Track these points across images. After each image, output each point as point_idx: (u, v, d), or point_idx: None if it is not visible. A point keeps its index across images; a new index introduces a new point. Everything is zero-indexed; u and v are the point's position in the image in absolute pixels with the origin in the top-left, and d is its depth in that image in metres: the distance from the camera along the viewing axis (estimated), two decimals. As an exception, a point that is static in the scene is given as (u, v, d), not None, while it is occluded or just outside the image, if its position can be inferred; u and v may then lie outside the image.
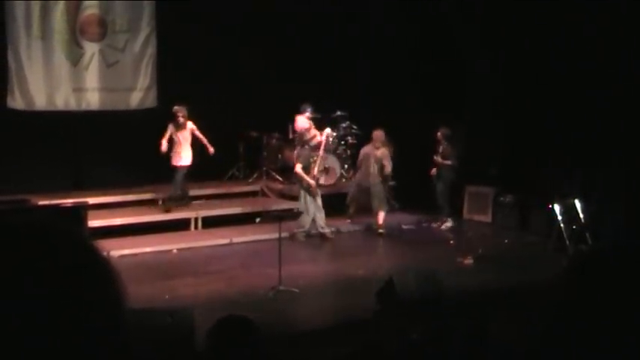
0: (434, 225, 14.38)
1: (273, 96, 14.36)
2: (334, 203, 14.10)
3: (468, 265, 11.65)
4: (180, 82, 14.01)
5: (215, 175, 14.85)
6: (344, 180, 15.13)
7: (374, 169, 13.74)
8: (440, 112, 14.27)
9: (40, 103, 14.08)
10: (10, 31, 13.74)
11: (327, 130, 14.47)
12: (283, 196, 14.81)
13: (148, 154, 13.23)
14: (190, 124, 13.35)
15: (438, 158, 14.14)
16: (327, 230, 13.33)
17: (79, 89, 14.36)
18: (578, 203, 12.38)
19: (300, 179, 13.20)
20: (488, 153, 14.64)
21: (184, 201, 13.83)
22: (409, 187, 14.48)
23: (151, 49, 14.94)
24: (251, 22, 15.03)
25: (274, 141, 15.43)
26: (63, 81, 14.21)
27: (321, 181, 13.96)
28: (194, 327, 6.58)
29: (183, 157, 13.34)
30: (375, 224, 13.86)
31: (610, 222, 11.82)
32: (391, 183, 14.52)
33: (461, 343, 5.45)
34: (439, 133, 14.07)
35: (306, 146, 13.59)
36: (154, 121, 13.56)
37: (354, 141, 15.46)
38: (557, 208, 12.46)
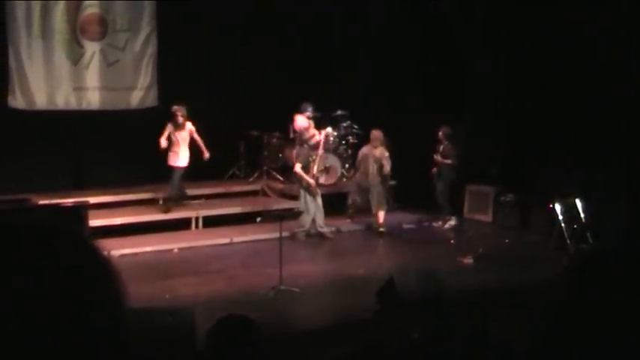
0: (435, 224, 14.37)
1: (273, 96, 14.35)
2: (335, 203, 14.11)
3: (467, 265, 11.65)
4: (180, 82, 14.00)
5: (215, 174, 14.84)
6: (345, 180, 15.13)
7: (373, 168, 13.74)
8: (440, 111, 14.27)
9: (41, 102, 14.08)
10: (11, 31, 13.74)
11: (328, 130, 14.48)
12: (284, 195, 14.81)
13: (149, 153, 13.22)
14: (189, 125, 13.29)
15: (438, 157, 14.15)
16: (326, 230, 13.33)
17: (79, 88, 14.36)
18: (579, 203, 12.39)
19: (300, 179, 13.20)
20: (489, 153, 14.64)
21: (182, 200, 13.83)
22: (410, 186, 14.49)
23: (152, 49, 14.93)
24: (252, 21, 15.02)
25: (275, 140, 15.42)
26: (63, 80, 14.21)
27: (321, 180, 13.96)
28: (195, 326, 6.58)
29: (181, 157, 13.28)
30: (375, 224, 13.87)
31: (610, 222, 11.82)
32: (391, 183, 14.52)
33: (461, 342, 5.45)
34: (440, 133, 14.08)
35: (305, 145, 13.59)
36: (155, 121, 13.54)
37: (355, 140, 15.45)
38: (558, 207, 12.46)
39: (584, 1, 12.98)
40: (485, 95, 14.83)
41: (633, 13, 12.48)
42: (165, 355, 6.15)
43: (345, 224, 14.18)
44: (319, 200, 13.27)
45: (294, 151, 13.85)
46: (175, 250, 12.50)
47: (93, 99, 14.51)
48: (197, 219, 13.68)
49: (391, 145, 13.79)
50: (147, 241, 12.59)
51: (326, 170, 14.38)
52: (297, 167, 13.18)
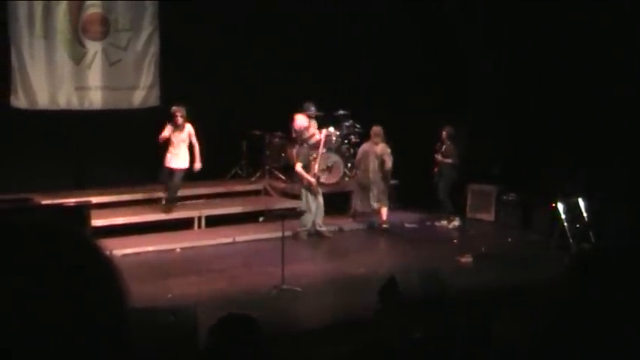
0: (437, 224, 14.33)
1: (276, 95, 14.35)
2: (337, 202, 14.11)
3: (466, 264, 11.64)
4: (183, 82, 13.99)
5: (218, 173, 14.83)
6: (347, 179, 15.13)
7: (374, 165, 13.74)
8: (443, 111, 14.27)
9: (43, 102, 14.08)
10: (13, 31, 13.74)
11: (330, 129, 14.47)
12: (286, 194, 14.80)
13: (151, 152, 13.21)
14: (189, 127, 13.18)
15: (439, 157, 14.15)
16: (324, 229, 13.33)
17: (81, 88, 14.35)
18: (581, 202, 12.39)
19: (301, 178, 13.21)
20: (491, 152, 14.64)
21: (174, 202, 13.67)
22: (412, 185, 14.47)
23: (154, 48, 14.92)
24: (254, 21, 15.02)
25: (277, 140, 15.41)
26: (66, 80, 14.20)
27: (323, 179, 13.96)
28: (197, 325, 6.58)
29: (181, 159, 13.20)
30: (377, 221, 13.86)
31: (612, 221, 11.81)
32: (392, 182, 14.48)
33: (463, 342, 5.45)
34: (444, 132, 14.07)
35: (305, 145, 13.60)
36: (157, 120, 13.51)
37: (357, 140, 15.45)
38: (560, 206, 12.46)
39: (586, 1, 12.98)
40: (487, 95, 14.82)
41: (635, 13, 12.47)
42: (168, 355, 6.15)
43: (347, 223, 14.18)
44: (320, 199, 13.27)
45: (294, 151, 13.85)
46: (177, 250, 12.50)
47: (95, 99, 14.51)
48: (199, 219, 13.67)
49: (392, 144, 13.79)
50: (149, 241, 12.59)
51: (328, 169, 14.38)
52: (298, 166, 13.18)
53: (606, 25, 12.52)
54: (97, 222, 11.96)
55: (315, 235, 13.29)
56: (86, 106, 14.41)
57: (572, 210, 12.42)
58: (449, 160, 14.07)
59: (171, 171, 13.24)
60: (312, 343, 7.97)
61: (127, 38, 14.69)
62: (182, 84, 13.94)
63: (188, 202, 14.05)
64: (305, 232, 13.16)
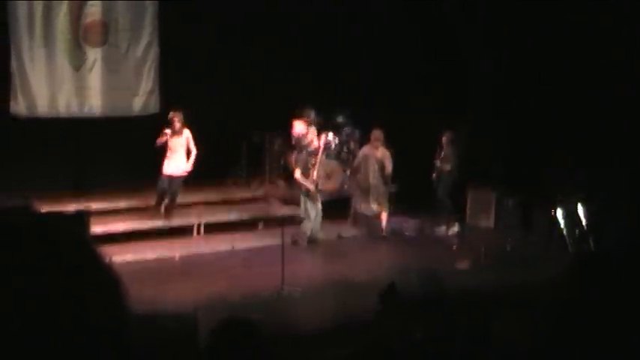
0: (436, 230, 14.21)
1: (275, 96, 14.33)
2: (337, 208, 14.08)
3: (462, 270, 11.62)
4: (182, 83, 13.98)
5: (217, 175, 14.77)
6: (346, 186, 15.06)
7: (374, 169, 13.70)
8: (443, 112, 14.26)
9: (43, 108, 14.05)
10: (13, 37, 13.73)
11: (329, 135, 14.42)
12: (285, 201, 14.73)
13: (150, 159, 13.14)
14: (187, 132, 13.13)
15: (437, 163, 14.11)
16: (320, 235, 13.30)
17: (81, 94, 14.30)
18: (580, 208, 12.39)
19: (300, 184, 13.19)
20: (491, 153, 14.62)
21: (161, 207, 13.55)
22: (412, 189, 14.43)
23: (153, 54, 14.87)
24: (253, 22, 15.01)
25: (276, 147, 15.35)
26: (65, 86, 14.16)
27: (323, 186, 13.87)
28: (197, 329, 6.58)
29: (179, 165, 13.18)
30: (376, 230, 13.80)
31: (612, 223, 11.82)
32: (392, 188, 14.38)
33: (463, 342, 5.45)
34: (444, 138, 14.02)
35: (304, 151, 13.56)
36: (157, 126, 13.43)
37: (357, 146, 15.38)
38: (559, 213, 12.47)
39: (586, 1, 12.98)
40: (487, 95, 14.82)
41: (635, 13, 12.48)
42: (168, 358, 6.15)
43: (347, 229, 14.14)
44: (319, 206, 13.25)
45: (293, 157, 13.82)
46: (177, 257, 12.45)
47: (95, 105, 14.45)
48: (199, 225, 13.59)
49: (392, 145, 13.76)
50: (149, 248, 12.53)
51: (328, 176, 14.32)
52: (297, 173, 13.17)
53: (606, 25, 12.52)
54: (97, 229, 11.87)
55: (314, 241, 13.26)
56: (86, 112, 14.37)
57: (571, 216, 12.43)
58: (448, 167, 14.03)
59: (170, 178, 13.18)
60: (312, 346, 7.97)
61: (127, 42, 14.63)
62: (181, 85, 13.92)
63: (187, 209, 13.94)
64: (304, 239, 13.12)
